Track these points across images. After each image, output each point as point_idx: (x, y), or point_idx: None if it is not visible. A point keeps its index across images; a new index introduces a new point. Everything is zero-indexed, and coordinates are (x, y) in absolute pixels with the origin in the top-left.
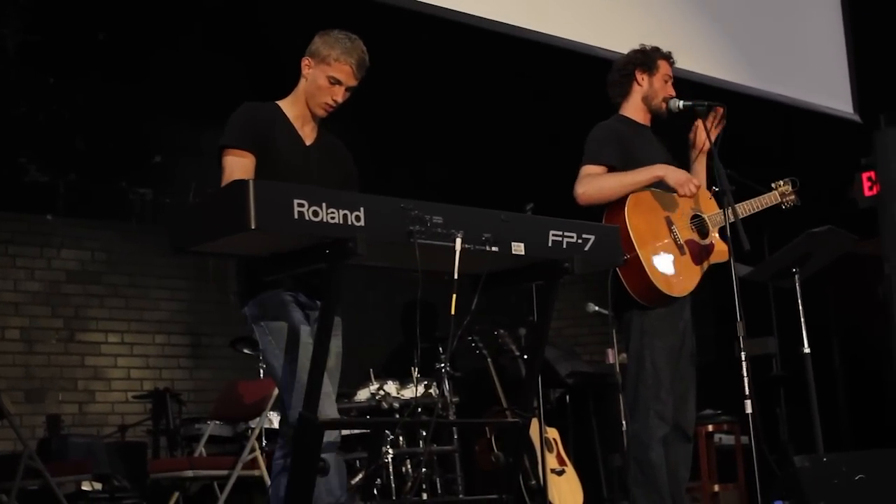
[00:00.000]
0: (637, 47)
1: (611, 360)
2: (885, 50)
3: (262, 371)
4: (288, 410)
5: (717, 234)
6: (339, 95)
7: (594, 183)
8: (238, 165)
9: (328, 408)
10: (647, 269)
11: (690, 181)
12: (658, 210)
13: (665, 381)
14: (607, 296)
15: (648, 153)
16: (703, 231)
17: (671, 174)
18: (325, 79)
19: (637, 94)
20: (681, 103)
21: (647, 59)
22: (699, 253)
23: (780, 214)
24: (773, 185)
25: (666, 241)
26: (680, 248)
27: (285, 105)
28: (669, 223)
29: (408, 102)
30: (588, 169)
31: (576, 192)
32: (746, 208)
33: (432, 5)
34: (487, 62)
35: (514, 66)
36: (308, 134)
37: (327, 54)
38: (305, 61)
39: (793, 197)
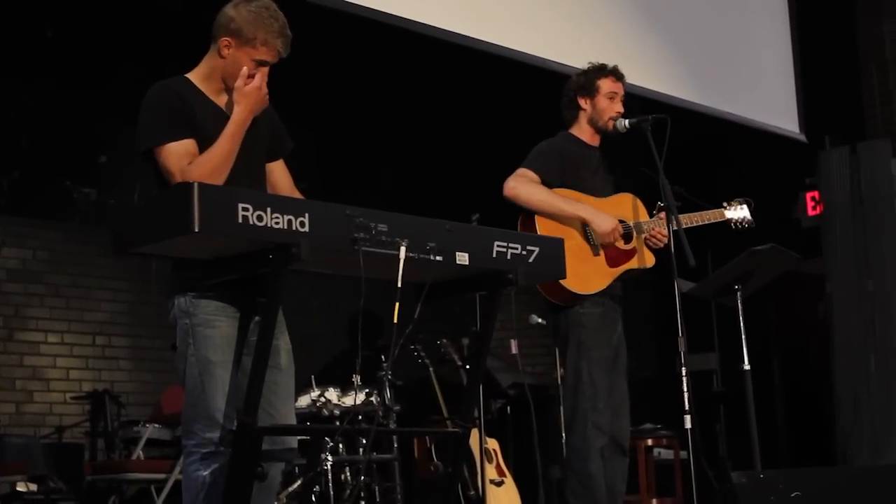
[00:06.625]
0: (583, 67)
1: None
2: (832, 71)
3: None
4: (191, 424)
5: (643, 242)
6: (265, 74)
7: (529, 186)
8: (182, 151)
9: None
10: None
11: (614, 232)
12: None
13: (602, 391)
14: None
15: (591, 180)
16: (626, 235)
17: (596, 222)
18: (250, 61)
19: (583, 117)
20: (626, 122)
21: (586, 81)
22: (616, 256)
23: (725, 231)
24: (724, 203)
25: (576, 241)
26: (594, 248)
27: (196, 79)
28: (585, 224)
29: (358, 110)
30: (524, 171)
31: (507, 184)
32: (687, 220)
33: (386, 14)
34: (439, 72)
35: (464, 76)
36: (227, 104)
37: (253, 36)
38: (225, 41)
39: (748, 217)
